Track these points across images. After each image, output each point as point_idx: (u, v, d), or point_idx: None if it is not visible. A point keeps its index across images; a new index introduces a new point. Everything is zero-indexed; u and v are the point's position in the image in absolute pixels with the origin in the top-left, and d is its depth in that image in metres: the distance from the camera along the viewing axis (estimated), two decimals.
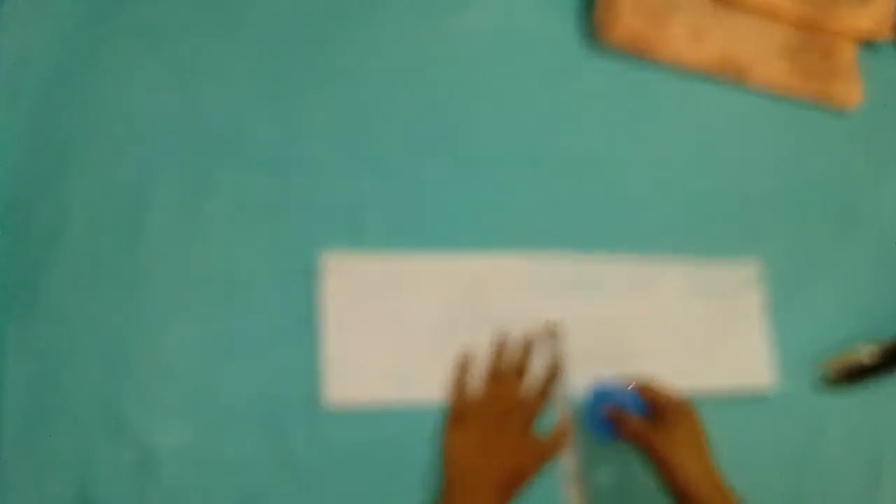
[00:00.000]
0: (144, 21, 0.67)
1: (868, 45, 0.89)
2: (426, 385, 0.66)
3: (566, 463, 0.66)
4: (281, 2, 0.70)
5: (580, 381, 0.69)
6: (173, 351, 0.62)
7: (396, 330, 0.66)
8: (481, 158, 0.73)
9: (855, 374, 0.78)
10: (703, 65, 0.79)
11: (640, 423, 0.64)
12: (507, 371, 0.67)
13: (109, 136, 0.64)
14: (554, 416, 0.68)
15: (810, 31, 0.83)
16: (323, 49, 0.71)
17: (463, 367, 0.66)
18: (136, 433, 0.60)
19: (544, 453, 0.63)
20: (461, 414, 0.64)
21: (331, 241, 0.66)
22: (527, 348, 0.68)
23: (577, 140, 0.76)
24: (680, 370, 0.71)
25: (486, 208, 0.72)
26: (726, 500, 0.59)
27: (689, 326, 0.73)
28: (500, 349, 0.68)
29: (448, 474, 0.61)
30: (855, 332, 0.81)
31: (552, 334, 0.69)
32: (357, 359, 0.65)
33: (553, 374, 0.68)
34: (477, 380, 0.66)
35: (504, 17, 0.76)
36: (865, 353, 0.79)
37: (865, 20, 0.84)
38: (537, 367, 0.68)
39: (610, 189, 0.76)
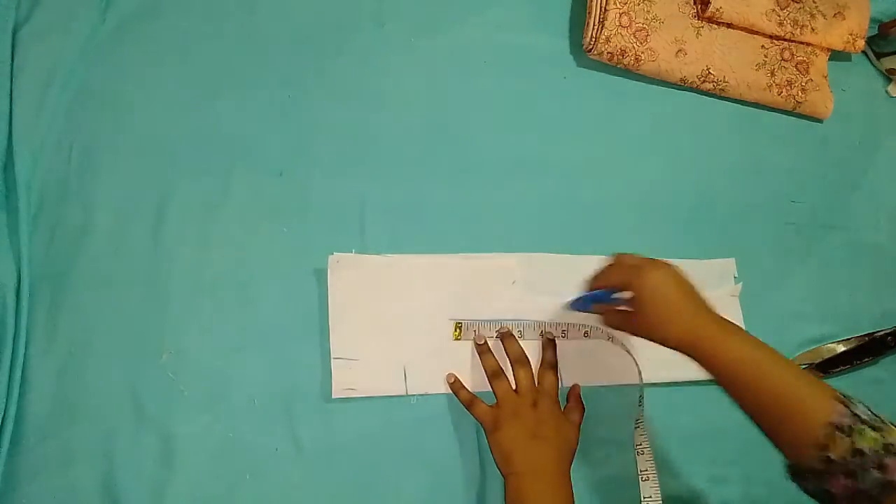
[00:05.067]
0: (164, 34, 0.69)
1: (842, 57, 0.91)
2: (426, 376, 0.68)
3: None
4: (292, 17, 0.73)
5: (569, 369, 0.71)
6: (191, 344, 0.64)
7: (398, 324, 0.68)
8: (476, 166, 0.75)
9: (825, 368, 0.80)
10: (685, 77, 0.82)
11: (614, 314, 0.64)
12: (515, 362, 0.67)
13: (132, 142, 0.67)
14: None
15: (787, 45, 0.86)
16: (331, 62, 0.73)
17: (458, 388, 0.67)
18: (156, 422, 0.61)
19: (578, 420, 0.66)
20: (496, 420, 0.64)
21: (338, 242, 0.68)
22: (511, 338, 0.69)
23: (566, 148, 0.78)
24: (660, 360, 0.71)
25: (481, 212, 0.73)
26: (709, 341, 0.56)
27: None
28: (483, 350, 0.69)
29: (515, 475, 0.61)
30: (826, 329, 0.82)
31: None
32: (362, 352, 0.66)
33: (549, 348, 0.69)
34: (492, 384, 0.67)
35: (499, 32, 0.79)
36: (835, 348, 0.81)
37: (840, 35, 0.86)
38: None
39: (597, 195, 0.78)
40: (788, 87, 0.86)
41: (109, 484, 0.60)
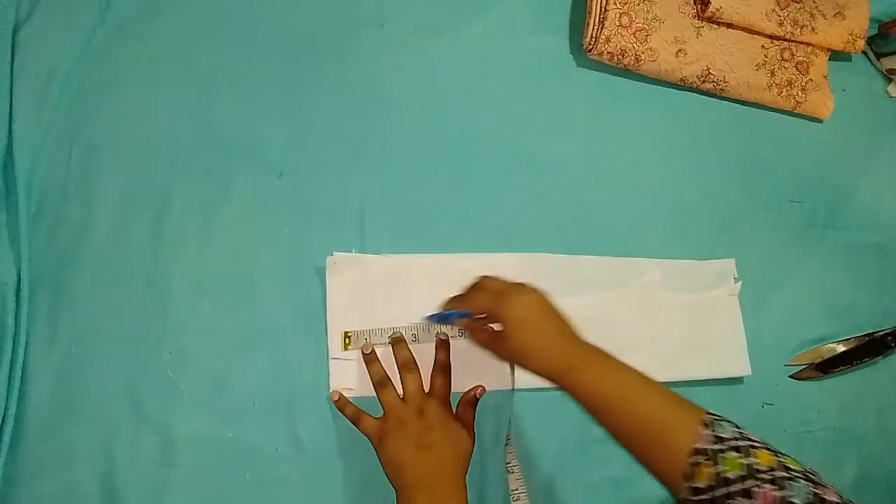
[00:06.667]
0: (164, 34, 0.69)
1: (842, 57, 0.91)
2: (425, 375, 0.66)
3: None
4: (293, 16, 0.73)
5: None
6: (191, 344, 0.64)
7: (397, 324, 0.68)
8: (476, 166, 0.75)
9: (825, 368, 0.80)
10: (685, 77, 0.81)
11: (482, 332, 0.61)
12: (402, 368, 0.65)
13: (132, 142, 0.67)
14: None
15: (787, 45, 0.86)
16: (331, 62, 0.73)
17: (343, 405, 0.65)
18: (156, 421, 0.61)
19: (471, 427, 0.64)
20: (381, 433, 0.62)
21: (338, 242, 0.68)
22: (401, 343, 0.67)
23: (567, 148, 0.78)
24: (661, 360, 0.71)
25: (481, 212, 0.73)
26: (575, 372, 0.54)
27: (668, 319, 0.74)
28: (371, 359, 0.66)
29: (404, 486, 0.59)
30: (826, 329, 0.82)
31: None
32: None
33: (442, 349, 0.67)
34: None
35: (500, 32, 0.78)
36: (835, 348, 0.81)
37: (840, 35, 0.86)
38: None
39: (597, 195, 0.77)
40: (788, 87, 0.86)
41: (109, 484, 0.60)
